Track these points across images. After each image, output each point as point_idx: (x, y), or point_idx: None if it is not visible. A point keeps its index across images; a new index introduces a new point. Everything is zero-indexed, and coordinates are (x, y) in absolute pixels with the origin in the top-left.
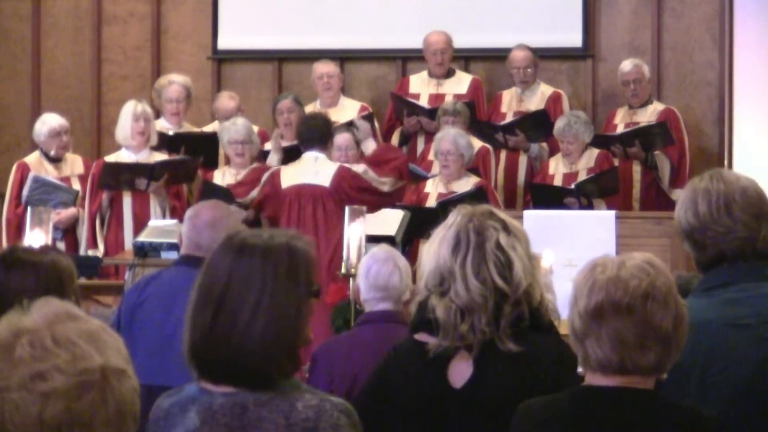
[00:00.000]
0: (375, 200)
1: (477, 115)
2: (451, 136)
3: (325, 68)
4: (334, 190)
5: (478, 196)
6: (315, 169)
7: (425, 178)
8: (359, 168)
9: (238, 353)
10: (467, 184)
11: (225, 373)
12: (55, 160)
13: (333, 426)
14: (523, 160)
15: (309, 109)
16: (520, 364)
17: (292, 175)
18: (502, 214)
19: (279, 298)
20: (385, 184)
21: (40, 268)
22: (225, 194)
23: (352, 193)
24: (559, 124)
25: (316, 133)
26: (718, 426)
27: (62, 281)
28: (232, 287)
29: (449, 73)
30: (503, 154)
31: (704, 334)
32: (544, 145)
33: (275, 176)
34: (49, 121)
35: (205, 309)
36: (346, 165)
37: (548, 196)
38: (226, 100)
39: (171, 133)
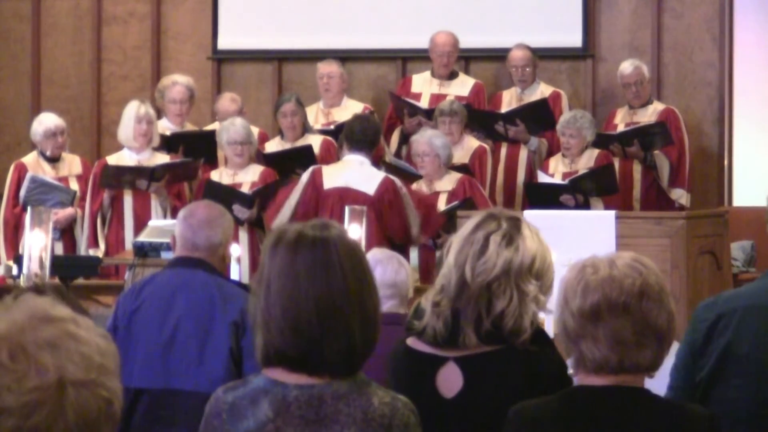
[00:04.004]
0: (400, 233)
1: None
2: (426, 137)
3: (325, 69)
4: (377, 200)
5: (465, 208)
6: (360, 174)
7: (408, 173)
8: (401, 187)
9: (372, 339)
10: (449, 182)
11: (348, 361)
12: (53, 160)
13: (405, 425)
14: (522, 158)
15: (311, 109)
16: (509, 375)
17: (334, 176)
18: (528, 230)
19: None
20: (414, 226)
21: None
22: (228, 193)
23: (387, 209)
24: (564, 117)
25: (369, 137)
26: (712, 423)
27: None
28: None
29: (452, 75)
30: (503, 153)
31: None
32: (544, 140)
33: (317, 175)
34: (45, 121)
35: (371, 294)
36: (391, 177)
37: (544, 195)
38: (228, 102)
39: (168, 133)
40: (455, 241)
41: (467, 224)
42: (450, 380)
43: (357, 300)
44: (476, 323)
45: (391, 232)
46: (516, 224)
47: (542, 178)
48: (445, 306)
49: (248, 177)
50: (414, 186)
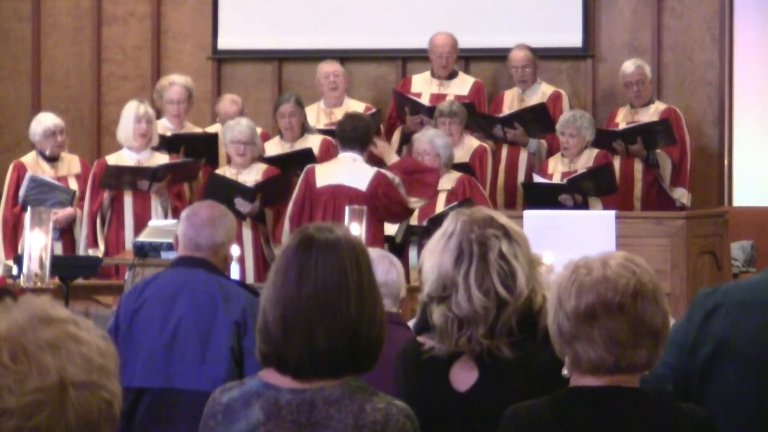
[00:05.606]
0: (401, 214)
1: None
2: (427, 137)
3: (331, 68)
4: (369, 195)
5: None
6: (352, 171)
7: None
8: (394, 178)
9: (380, 340)
10: (449, 181)
11: (350, 365)
12: (52, 160)
13: (400, 431)
14: (523, 159)
15: (312, 109)
16: (524, 369)
17: (327, 174)
18: (502, 218)
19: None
20: (412, 201)
21: None
22: (230, 186)
23: (384, 200)
24: (563, 116)
25: (359, 135)
26: (709, 423)
27: None
28: (364, 277)
29: (452, 75)
30: (504, 154)
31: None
32: (543, 141)
33: (309, 174)
34: (44, 121)
35: (349, 301)
36: (383, 171)
37: (543, 195)
38: (228, 104)
39: (170, 134)
40: (464, 275)
41: (463, 250)
42: (464, 374)
43: (329, 304)
44: (490, 325)
45: (394, 219)
46: (492, 222)
47: (538, 180)
48: (451, 310)
49: (251, 176)
50: None
